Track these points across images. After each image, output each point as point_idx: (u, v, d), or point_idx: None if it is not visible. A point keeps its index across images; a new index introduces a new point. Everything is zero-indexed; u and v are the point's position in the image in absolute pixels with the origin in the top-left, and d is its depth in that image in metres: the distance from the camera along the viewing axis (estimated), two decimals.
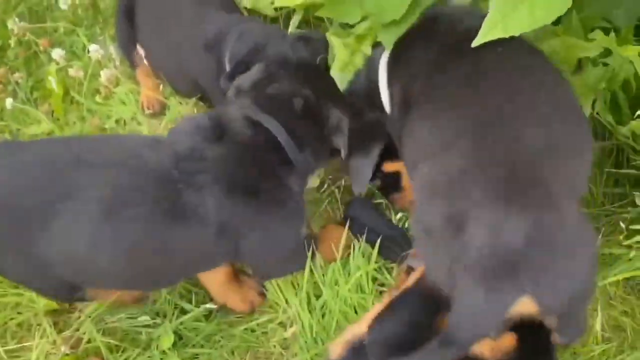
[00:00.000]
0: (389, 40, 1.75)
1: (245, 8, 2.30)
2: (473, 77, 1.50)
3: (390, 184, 1.98)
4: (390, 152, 1.83)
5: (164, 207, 1.52)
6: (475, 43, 1.46)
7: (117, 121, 2.38)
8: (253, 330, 1.91)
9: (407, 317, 1.58)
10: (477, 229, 1.27)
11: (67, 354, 1.83)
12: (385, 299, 1.66)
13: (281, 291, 1.89)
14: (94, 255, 1.53)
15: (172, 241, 1.55)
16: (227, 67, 1.99)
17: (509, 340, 1.49)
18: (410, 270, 1.75)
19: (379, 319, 1.62)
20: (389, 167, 1.92)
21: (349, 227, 1.91)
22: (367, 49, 1.83)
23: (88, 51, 2.50)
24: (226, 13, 2.17)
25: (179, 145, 1.60)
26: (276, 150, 1.67)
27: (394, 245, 1.91)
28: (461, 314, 1.31)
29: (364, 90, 1.79)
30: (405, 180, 1.94)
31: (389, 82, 1.75)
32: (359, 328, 1.64)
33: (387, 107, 1.77)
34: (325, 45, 1.94)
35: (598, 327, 1.82)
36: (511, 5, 1.47)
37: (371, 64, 1.81)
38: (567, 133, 1.42)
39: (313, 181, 2.05)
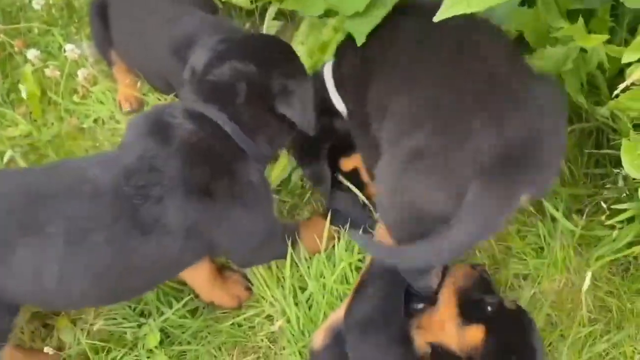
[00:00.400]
0: (358, 32, 1.74)
1: (221, 1, 2.28)
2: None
3: (353, 181, 1.99)
4: (343, 150, 1.91)
5: (124, 226, 1.50)
6: (437, 18, 1.43)
7: (95, 120, 2.36)
8: (240, 325, 1.90)
9: (374, 294, 1.61)
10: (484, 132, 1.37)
11: None
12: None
13: (267, 285, 1.88)
14: (65, 288, 1.53)
15: (139, 256, 1.54)
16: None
17: (477, 334, 1.51)
18: None
19: (349, 303, 1.65)
20: (347, 164, 1.97)
21: (332, 220, 1.91)
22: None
23: (64, 51, 2.46)
24: (201, 11, 2.16)
25: (126, 158, 1.57)
26: (225, 143, 1.60)
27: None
28: (475, 214, 1.37)
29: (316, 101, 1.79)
30: (365, 176, 1.97)
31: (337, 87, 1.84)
32: (339, 314, 1.66)
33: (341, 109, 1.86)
34: None
35: (584, 309, 1.83)
36: None
37: (318, 76, 1.88)
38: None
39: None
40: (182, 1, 2.19)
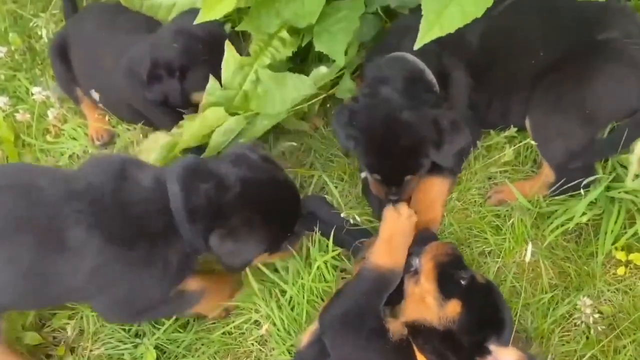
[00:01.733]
0: (332, 52, 1.94)
1: None
2: None
3: None
4: None
5: (52, 238, 1.62)
6: (417, 46, 1.61)
7: (70, 156, 2.45)
8: (230, 333, 2.02)
9: (351, 293, 1.72)
10: None
11: None
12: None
13: (249, 294, 2.00)
14: None
15: (52, 269, 1.64)
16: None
17: (455, 308, 1.64)
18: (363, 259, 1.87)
19: (325, 305, 1.76)
20: None
21: (305, 222, 2.01)
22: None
23: (32, 94, 2.56)
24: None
25: (77, 184, 1.68)
26: (166, 217, 1.68)
27: (348, 236, 2.02)
28: None
29: None
30: None
31: None
32: None
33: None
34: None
35: (544, 276, 1.97)
36: (443, 5, 1.60)
37: None
38: None
39: None
40: (136, 30, 2.30)
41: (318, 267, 1.96)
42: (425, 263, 1.75)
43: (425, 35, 1.59)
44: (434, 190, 2.10)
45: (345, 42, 1.94)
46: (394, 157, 1.94)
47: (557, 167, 2.00)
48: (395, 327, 1.65)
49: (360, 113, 1.96)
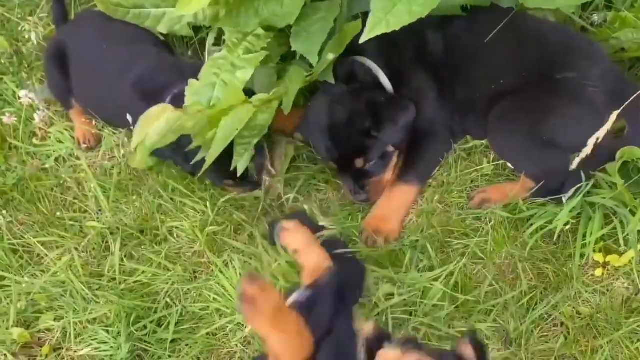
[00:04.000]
0: (307, 52, 1.97)
1: (161, 34, 2.41)
2: None
3: None
4: None
5: None
6: (362, 39, 1.66)
7: (56, 159, 2.46)
8: (214, 334, 2.04)
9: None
10: None
11: None
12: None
13: (231, 297, 2.03)
14: None
15: None
16: None
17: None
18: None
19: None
20: None
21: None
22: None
23: (18, 97, 2.57)
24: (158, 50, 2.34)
25: None
26: None
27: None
28: None
29: None
30: None
31: None
32: None
33: None
34: None
35: (523, 277, 2.01)
36: (392, 3, 1.65)
37: None
38: None
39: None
40: (140, 42, 2.34)
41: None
42: None
43: (372, 30, 1.67)
44: (397, 198, 2.16)
45: (320, 42, 1.97)
46: (337, 139, 2.08)
47: (533, 177, 2.06)
48: None
49: (311, 107, 2.17)
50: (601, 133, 1.65)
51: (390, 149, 2.13)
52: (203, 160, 1.95)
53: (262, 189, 2.22)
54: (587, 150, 1.70)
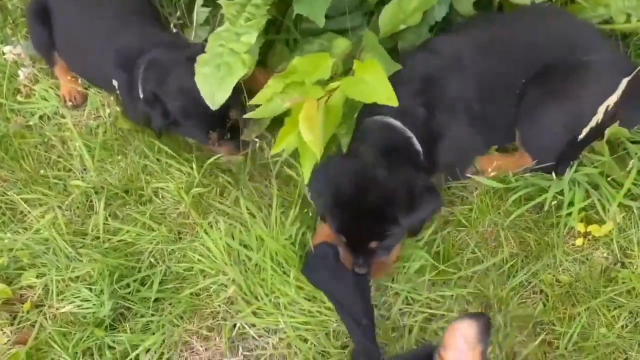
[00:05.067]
0: (312, 14, 1.97)
1: None
2: None
3: None
4: None
5: None
6: None
7: (41, 117, 2.44)
8: (198, 294, 2.05)
9: None
10: None
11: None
12: None
13: (216, 259, 2.03)
14: None
15: None
16: (140, 94, 2.12)
17: None
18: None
19: None
20: None
21: None
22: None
23: (3, 53, 2.53)
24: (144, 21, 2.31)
25: None
26: None
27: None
28: None
29: None
30: None
31: None
32: None
33: None
34: None
35: (505, 245, 2.03)
36: None
37: None
38: None
39: None
40: (131, 14, 2.31)
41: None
42: None
43: None
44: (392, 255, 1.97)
45: (326, 3, 1.94)
46: (360, 216, 1.80)
47: (542, 160, 2.07)
48: None
49: (332, 167, 1.89)
50: (611, 100, 1.65)
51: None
52: (176, 121, 2.06)
53: (248, 149, 2.19)
54: (598, 117, 1.69)
